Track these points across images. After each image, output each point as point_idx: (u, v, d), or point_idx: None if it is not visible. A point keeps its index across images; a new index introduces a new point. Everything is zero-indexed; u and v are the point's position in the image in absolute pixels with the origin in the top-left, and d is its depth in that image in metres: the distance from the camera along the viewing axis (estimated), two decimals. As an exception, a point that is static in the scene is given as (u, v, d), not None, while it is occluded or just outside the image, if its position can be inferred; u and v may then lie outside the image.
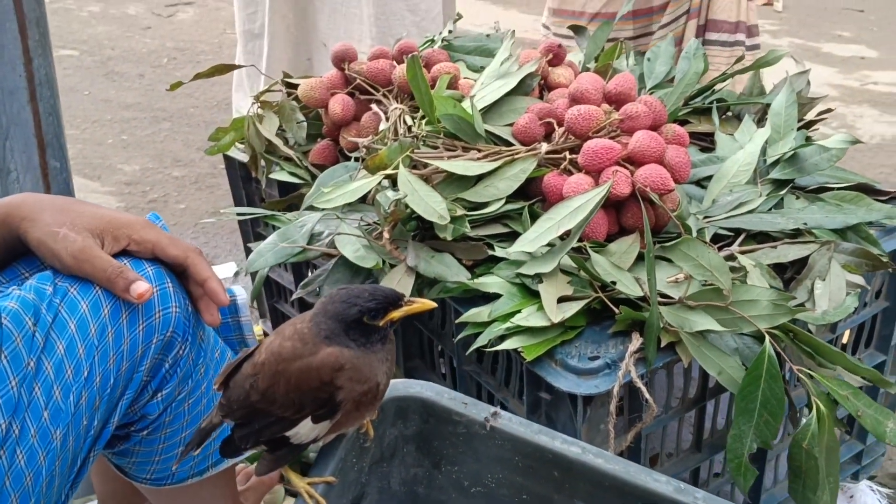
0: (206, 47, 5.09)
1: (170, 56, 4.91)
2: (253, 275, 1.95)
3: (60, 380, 0.95)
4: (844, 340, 1.54)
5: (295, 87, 1.82)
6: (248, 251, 2.04)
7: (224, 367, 0.93)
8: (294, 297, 1.52)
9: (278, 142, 1.72)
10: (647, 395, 1.19)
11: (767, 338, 1.18)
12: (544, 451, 0.93)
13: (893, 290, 1.50)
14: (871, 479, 1.82)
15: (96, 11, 5.56)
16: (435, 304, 0.88)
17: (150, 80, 4.57)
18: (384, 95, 1.66)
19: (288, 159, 1.72)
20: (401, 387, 0.97)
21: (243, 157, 1.87)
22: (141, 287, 0.99)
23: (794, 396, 1.27)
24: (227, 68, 1.82)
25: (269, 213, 1.58)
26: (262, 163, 1.74)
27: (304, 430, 0.86)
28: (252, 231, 1.98)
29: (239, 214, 1.64)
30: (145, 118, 4.15)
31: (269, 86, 1.83)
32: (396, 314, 0.85)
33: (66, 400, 0.95)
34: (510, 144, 1.47)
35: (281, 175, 1.69)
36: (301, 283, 1.49)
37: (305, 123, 1.76)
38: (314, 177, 1.68)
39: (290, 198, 1.66)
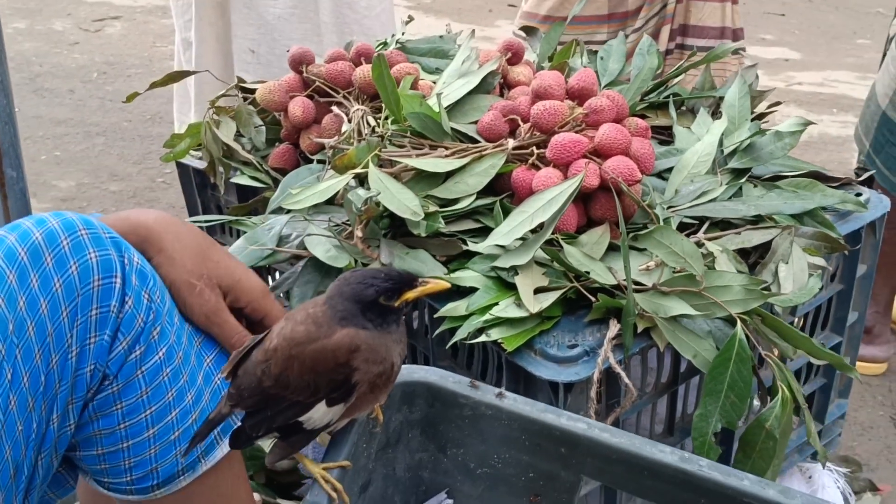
0: (137, 61, 5.02)
1: (99, 71, 4.83)
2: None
3: None
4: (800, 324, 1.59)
5: (249, 91, 1.82)
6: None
7: (232, 356, 0.92)
8: (263, 300, 1.51)
9: (237, 146, 1.70)
10: (626, 380, 1.21)
11: (739, 322, 1.22)
12: (551, 429, 0.95)
13: (847, 273, 1.56)
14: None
15: (22, 28, 5.43)
16: (449, 285, 0.89)
17: (80, 96, 4.49)
18: (344, 97, 1.66)
19: (247, 164, 1.71)
20: (405, 372, 0.98)
21: (198, 164, 1.85)
22: None
23: (763, 377, 1.31)
24: (181, 75, 1.80)
25: (233, 218, 1.56)
26: (221, 168, 1.73)
27: (318, 415, 0.86)
28: (209, 239, 1.96)
29: (205, 221, 1.62)
30: (78, 133, 4.07)
31: (225, 90, 1.81)
32: (411, 294, 0.86)
33: None
34: (475, 142, 1.49)
35: (242, 179, 1.68)
36: (270, 287, 1.48)
37: (264, 128, 1.75)
38: (275, 181, 1.67)
39: (254, 202, 1.65)
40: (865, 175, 1.62)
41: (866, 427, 2.40)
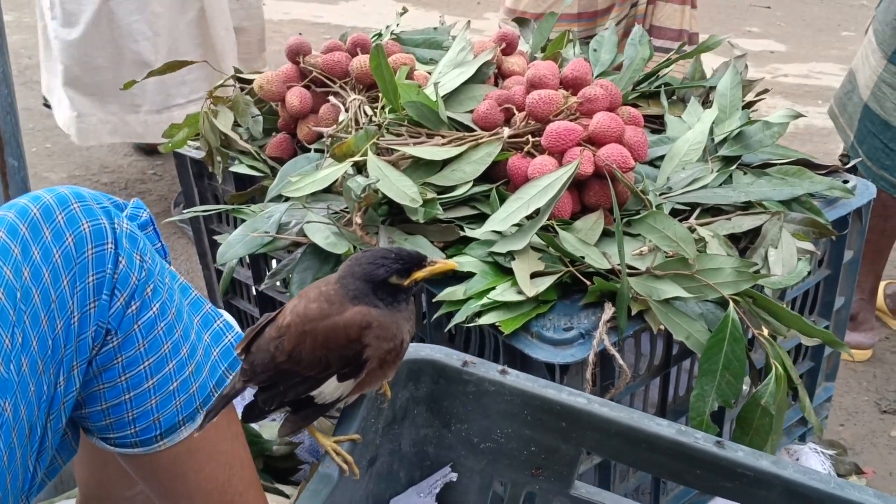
0: (126, 54, 5.01)
1: (89, 63, 4.82)
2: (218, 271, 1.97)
3: None
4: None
5: (246, 81, 1.84)
6: (201, 250, 2.04)
7: (246, 333, 0.95)
8: (263, 286, 1.54)
9: (235, 136, 1.72)
10: (620, 362, 1.24)
11: (731, 303, 1.25)
12: (552, 404, 0.98)
13: (834, 259, 1.59)
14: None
15: (10, 20, 5.40)
16: (457, 265, 0.92)
17: (70, 88, 4.49)
18: (341, 87, 1.68)
19: (245, 153, 1.73)
20: (412, 350, 1.00)
21: (195, 154, 1.87)
22: None
23: (753, 359, 1.35)
24: (179, 65, 1.82)
25: (233, 207, 1.59)
26: (219, 158, 1.75)
27: (329, 389, 0.89)
28: (206, 228, 1.98)
29: (203, 211, 1.65)
30: (69, 126, 4.07)
31: (222, 81, 1.83)
32: (420, 274, 0.89)
33: (8, 368, 0.95)
34: (471, 130, 1.52)
35: (240, 168, 1.70)
36: (269, 274, 1.51)
37: (261, 117, 1.77)
38: (273, 170, 1.70)
39: (252, 191, 1.67)
40: (852, 163, 1.66)
41: (851, 412, 2.44)
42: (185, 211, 1.73)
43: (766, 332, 1.30)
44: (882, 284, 2.81)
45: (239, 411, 1.14)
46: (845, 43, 5.39)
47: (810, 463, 1.86)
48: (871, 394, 2.51)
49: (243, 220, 1.51)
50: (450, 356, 1.01)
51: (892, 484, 2.15)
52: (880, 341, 2.71)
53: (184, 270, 2.93)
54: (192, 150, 1.89)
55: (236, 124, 1.78)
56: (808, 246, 1.40)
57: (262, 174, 1.70)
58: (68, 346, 1.02)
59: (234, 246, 1.45)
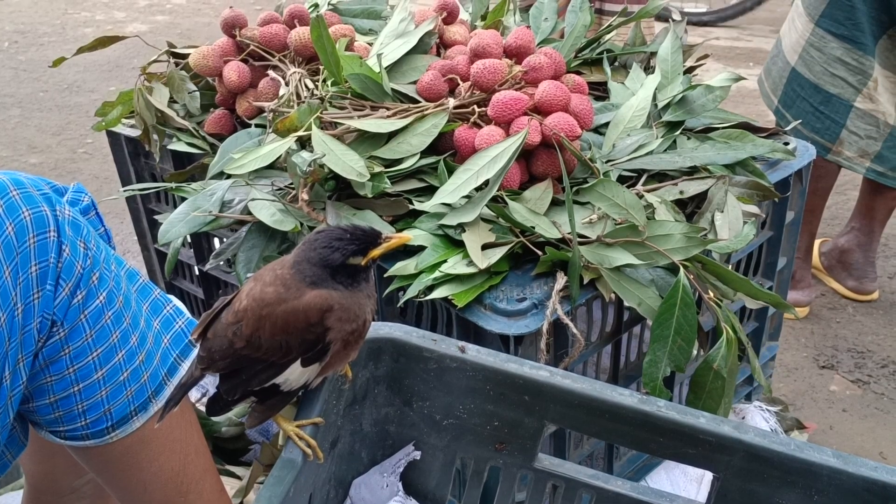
0: (49, 29, 4.86)
1: (10, 40, 4.67)
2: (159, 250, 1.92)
3: None
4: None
5: (181, 56, 1.79)
6: (139, 231, 2.00)
7: (202, 318, 0.92)
8: (208, 266, 1.50)
9: (171, 113, 1.68)
10: (574, 330, 1.25)
11: (682, 269, 1.26)
12: (514, 378, 0.98)
13: (777, 220, 1.62)
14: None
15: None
16: (412, 238, 0.90)
17: (-9, 66, 4.34)
18: (280, 60, 1.64)
19: (182, 130, 1.69)
20: (371, 329, 0.99)
21: (130, 132, 1.82)
22: None
23: (701, 322, 1.36)
24: (111, 40, 1.76)
25: (173, 185, 1.55)
26: (155, 136, 1.70)
27: (294, 376, 0.86)
28: (144, 209, 1.93)
29: (141, 190, 1.60)
30: (-8, 105, 3.94)
31: (155, 56, 1.78)
32: (376, 252, 0.87)
33: None
34: (416, 102, 1.50)
35: (178, 146, 1.65)
36: (214, 253, 1.47)
37: (198, 93, 1.73)
38: (212, 147, 1.66)
39: (191, 169, 1.63)
40: (791, 125, 1.68)
41: (791, 369, 2.50)
42: (122, 189, 1.68)
43: (713, 296, 1.32)
44: (817, 243, 2.88)
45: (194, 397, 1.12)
46: (773, 5, 5.46)
47: (755, 421, 1.90)
48: (809, 350, 2.57)
49: (184, 199, 1.47)
50: (409, 333, 1.00)
51: (832, 437, 2.21)
52: (817, 298, 2.77)
53: (119, 252, 2.86)
54: (127, 129, 1.84)
55: (172, 101, 1.73)
56: (753, 209, 1.42)
57: (201, 151, 1.66)
58: (13, 339, 0.98)
59: (175, 224, 1.42)
